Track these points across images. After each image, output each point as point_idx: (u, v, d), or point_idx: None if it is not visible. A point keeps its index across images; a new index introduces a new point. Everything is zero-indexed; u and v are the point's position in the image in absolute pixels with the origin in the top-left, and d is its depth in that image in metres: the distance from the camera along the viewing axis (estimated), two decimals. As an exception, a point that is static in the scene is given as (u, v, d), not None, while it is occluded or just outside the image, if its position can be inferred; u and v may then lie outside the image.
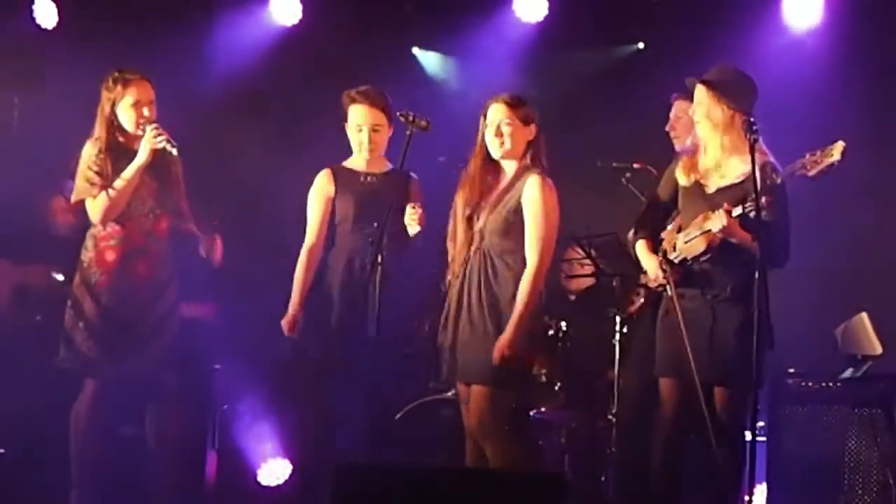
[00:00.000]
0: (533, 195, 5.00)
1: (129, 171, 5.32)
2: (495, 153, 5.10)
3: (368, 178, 5.54)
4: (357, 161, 5.60)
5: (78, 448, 5.38)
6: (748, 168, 4.74)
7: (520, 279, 4.97)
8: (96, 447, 5.40)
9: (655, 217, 5.19)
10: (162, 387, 5.43)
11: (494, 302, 4.99)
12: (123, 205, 5.35)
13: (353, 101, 5.51)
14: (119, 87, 5.35)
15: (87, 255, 5.41)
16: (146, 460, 5.54)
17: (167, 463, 5.50)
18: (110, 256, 5.37)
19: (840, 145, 4.64)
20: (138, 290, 5.37)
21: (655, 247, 5.09)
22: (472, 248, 5.08)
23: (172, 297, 5.47)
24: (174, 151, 5.29)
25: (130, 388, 5.41)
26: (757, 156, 4.68)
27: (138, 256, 5.38)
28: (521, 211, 5.03)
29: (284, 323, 5.48)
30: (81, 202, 5.41)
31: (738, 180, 4.87)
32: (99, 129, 5.39)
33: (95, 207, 5.35)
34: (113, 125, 5.38)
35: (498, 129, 5.07)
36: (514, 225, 5.02)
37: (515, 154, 5.10)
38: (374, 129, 5.49)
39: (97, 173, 5.34)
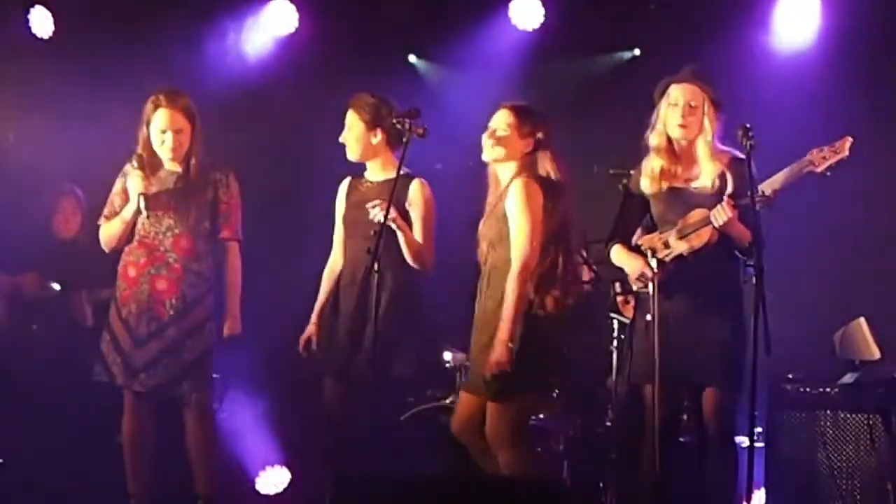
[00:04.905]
0: (514, 199, 4.90)
1: (126, 213, 5.41)
2: (486, 155, 5.02)
3: (365, 186, 5.54)
4: (369, 168, 5.58)
5: (128, 460, 5.44)
6: (721, 168, 4.80)
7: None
8: (145, 457, 5.45)
9: (629, 224, 5.12)
10: (183, 403, 5.42)
11: (491, 313, 4.93)
12: (122, 238, 5.45)
13: (347, 108, 5.52)
14: (149, 108, 5.42)
15: (119, 272, 5.49)
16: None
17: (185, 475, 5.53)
18: (132, 272, 5.45)
19: (848, 140, 4.62)
20: (156, 306, 5.40)
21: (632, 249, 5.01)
22: (481, 260, 5.07)
23: (202, 316, 5.45)
24: (142, 207, 5.32)
25: (155, 401, 5.44)
26: (727, 157, 4.75)
27: (157, 273, 5.42)
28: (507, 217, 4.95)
29: (301, 339, 5.55)
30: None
31: (713, 180, 4.85)
32: (139, 146, 5.46)
33: (101, 234, 5.53)
34: (149, 143, 5.45)
35: (493, 131, 5.00)
36: (505, 233, 4.94)
37: (509, 160, 4.99)
38: (349, 129, 5.49)
39: (112, 200, 5.48)
